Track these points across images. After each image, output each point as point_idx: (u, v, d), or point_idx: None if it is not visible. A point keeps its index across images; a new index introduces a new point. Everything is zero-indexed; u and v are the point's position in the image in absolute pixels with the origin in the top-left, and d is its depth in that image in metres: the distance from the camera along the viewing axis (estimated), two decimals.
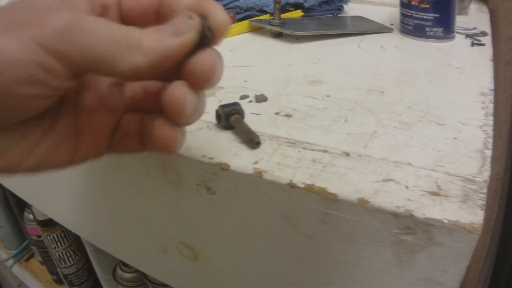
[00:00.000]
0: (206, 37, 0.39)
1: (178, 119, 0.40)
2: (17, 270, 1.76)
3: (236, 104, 0.54)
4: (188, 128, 0.52)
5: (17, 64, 0.33)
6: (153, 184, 0.56)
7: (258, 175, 0.45)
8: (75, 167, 0.43)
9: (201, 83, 0.39)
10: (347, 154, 0.47)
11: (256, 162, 0.47)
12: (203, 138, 0.52)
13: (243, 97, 0.62)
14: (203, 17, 0.39)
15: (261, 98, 0.60)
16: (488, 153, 0.47)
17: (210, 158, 0.48)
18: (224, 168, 0.47)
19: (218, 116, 0.54)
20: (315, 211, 0.44)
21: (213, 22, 0.39)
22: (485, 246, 0.94)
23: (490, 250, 1.17)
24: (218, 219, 0.53)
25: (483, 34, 0.87)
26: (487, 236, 0.94)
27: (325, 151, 0.48)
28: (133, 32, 0.37)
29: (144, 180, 0.57)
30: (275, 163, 0.47)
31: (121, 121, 0.45)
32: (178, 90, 0.38)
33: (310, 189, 0.43)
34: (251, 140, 0.50)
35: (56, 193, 0.81)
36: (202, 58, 0.39)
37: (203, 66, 0.39)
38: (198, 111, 0.40)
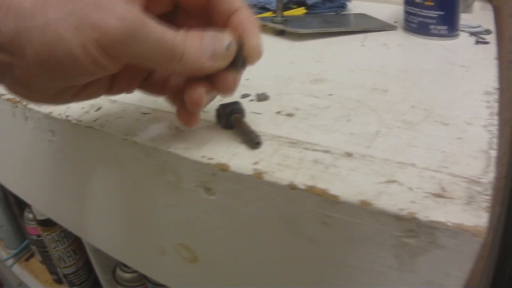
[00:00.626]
0: (237, 62, 0.46)
1: (195, 110, 0.47)
2: (17, 269, 1.76)
3: (236, 103, 0.54)
4: (187, 128, 0.52)
5: (77, 61, 0.39)
6: (152, 185, 0.56)
7: (258, 176, 0.44)
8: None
9: (219, 92, 0.48)
10: (350, 155, 0.47)
11: (256, 163, 0.46)
12: (202, 137, 0.52)
13: (244, 96, 0.61)
14: (240, 44, 0.45)
15: (262, 97, 0.60)
16: (493, 153, 0.46)
17: (209, 159, 0.47)
18: (223, 168, 0.46)
19: (218, 116, 0.54)
20: (316, 213, 0.43)
21: (247, 52, 0.46)
22: (487, 244, 0.93)
23: (492, 249, 1.17)
24: (217, 221, 0.52)
25: (488, 32, 0.86)
26: (489, 235, 0.94)
27: (327, 152, 0.47)
28: (178, 42, 0.42)
29: (142, 180, 0.57)
30: (276, 163, 0.46)
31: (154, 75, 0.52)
32: (197, 92, 0.46)
33: (311, 191, 0.42)
34: (251, 140, 0.50)
35: (55, 193, 0.80)
36: (226, 79, 0.46)
37: (226, 85, 0.46)
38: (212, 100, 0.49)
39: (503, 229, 1.19)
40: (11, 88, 0.43)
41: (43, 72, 0.40)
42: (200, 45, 0.43)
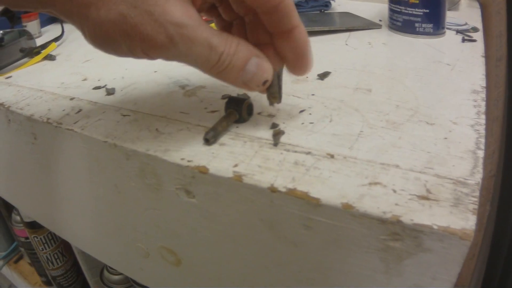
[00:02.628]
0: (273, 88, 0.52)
1: None
2: (7, 271, 1.76)
3: (241, 100, 0.54)
4: (168, 129, 0.51)
5: (123, 54, 0.45)
6: (132, 188, 0.55)
7: (237, 179, 0.44)
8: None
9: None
10: (332, 156, 0.46)
11: (236, 165, 0.45)
12: (182, 140, 0.51)
13: (225, 96, 0.61)
14: (278, 75, 0.51)
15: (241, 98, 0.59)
16: (481, 153, 0.46)
17: (188, 161, 0.47)
18: (203, 171, 0.45)
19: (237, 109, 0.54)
20: (297, 216, 0.42)
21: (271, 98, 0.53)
22: (477, 244, 0.93)
23: (483, 248, 1.16)
24: (199, 224, 0.51)
25: (474, 30, 0.86)
26: (480, 234, 0.93)
27: (308, 153, 0.46)
28: (225, 57, 0.45)
29: (123, 183, 0.56)
30: (256, 166, 0.45)
31: None
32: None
33: (292, 194, 0.41)
34: (204, 135, 0.50)
35: (39, 195, 0.80)
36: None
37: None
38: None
39: (493, 228, 1.19)
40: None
41: (91, 44, 0.45)
42: (241, 68, 0.46)
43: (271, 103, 0.53)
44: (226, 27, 0.55)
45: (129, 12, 0.40)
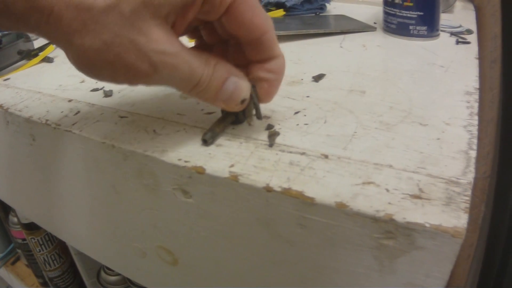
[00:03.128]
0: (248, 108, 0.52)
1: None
2: (4, 273, 1.75)
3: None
4: (165, 131, 0.52)
5: (104, 80, 0.46)
6: (130, 188, 0.55)
7: (234, 179, 0.44)
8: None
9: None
10: (326, 157, 0.46)
11: (232, 165, 0.46)
12: (179, 141, 0.51)
13: None
14: (253, 96, 0.51)
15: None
16: (473, 153, 0.46)
17: (185, 162, 0.47)
18: (199, 171, 0.46)
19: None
20: (292, 215, 0.43)
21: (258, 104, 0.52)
22: (473, 245, 0.93)
23: (478, 249, 1.17)
24: (195, 223, 0.52)
25: (469, 32, 0.86)
26: (475, 235, 0.94)
27: (303, 154, 0.47)
28: (204, 78, 0.46)
29: (121, 184, 0.56)
30: (252, 166, 0.46)
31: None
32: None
33: (287, 193, 0.42)
34: (202, 136, 0.51)
35: (37, 196, 0.80)
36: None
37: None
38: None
39: (488, 229, 1.19)
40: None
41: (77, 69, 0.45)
42: (219, 88, 0.47)
43: (248, 122, 0.54)
44: (207, 47, 0.55)
45: (112, 40, 0.41)
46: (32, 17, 0.40)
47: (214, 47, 0.55)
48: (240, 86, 0.48)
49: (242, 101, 0.49)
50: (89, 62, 0.43)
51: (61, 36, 0.42)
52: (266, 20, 0.47)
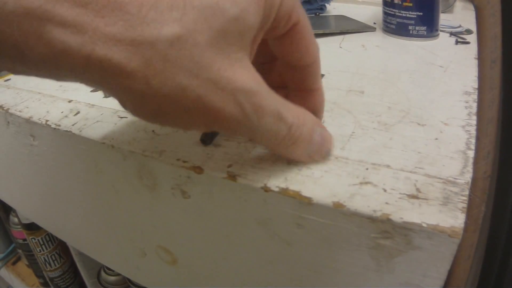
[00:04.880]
0: None
1: None
2: (4, 273, 1.76)
3: None
4: (164, 131, 0.52)
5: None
6: (129, 188, 0.56)
7: (232, 179, 0.44)
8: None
9: None
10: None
11: (230, 166, 0.46)
12: (178, 141, 0.51)
13: None
14: None
15: None
16: (471, 154, 0.46)
17: (184, 162, 0.47)
18: (198, 171, 0.46)
19: None
20: (290, 215, 0.43)
21: None
22: (473, 245, 0.93)
23: (479, 249, 1.17)
24: (194, 223, 0.52)
25: (468, 32, 0.87)
26: (475, 235, 0.94)
27: None
28: (293, 133, 0.40)
29: (120, 184, 0.57)
30: (250, 166, 0.46)
31: None
32: None
33: (284, 193, 0.42)
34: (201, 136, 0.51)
35: (37, 197, 0.80)
36: None
37: None
38: None
39: (488, 229, 1.19)
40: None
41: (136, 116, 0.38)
42: (310, 141, 0.43)
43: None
44: None
45: (189, 82, 0.33)
46: (61, 62, 0.31)
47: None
48: (327, 136, 0.45)
49: (327, 152, 0.46)
50: (157, 110, 0.35)
51: (112, 82, 0.32)
52: (318, 48, 0.44)
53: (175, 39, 0.31)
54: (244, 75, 0.35)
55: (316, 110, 0.48)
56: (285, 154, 0.43)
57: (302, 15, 0.41)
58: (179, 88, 0.33)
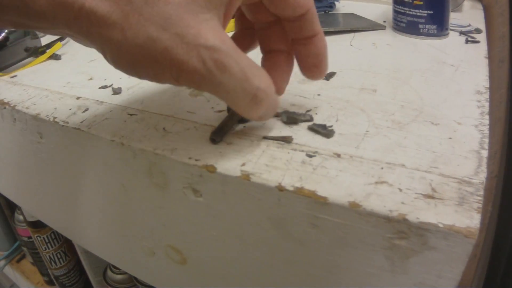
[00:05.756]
0: None
1: None
2: (9, 271, 1.76)
3: None
4: (175, 129, 0.51)
5: (148, 77, 0.43)
6: (139, 187, 0.55)
7: (245, 178, 0.44)
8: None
9: None
10: (338, 156, 0.46)
11: (243, 164, 0.46)
12: (189, 139, 0.51)
13: None
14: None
15: None
16: (484, 153, 0.46)
17: (196, 160, 0.47)
18: (210, 170, 0.46)
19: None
20: (304, 215, 0.43)
21: None
22: (479, 244, 0.93)
23: (485, 249, 1.17)
24: (205, 222, 0.52)
25: (478, 31, 0.86)
26: (481, 235, 0.94)
27: (315, 152, 0.47)
28: (260, 94, 0.42)
29: (130, 182, 0.56)
30: (263, 165, 0.45)
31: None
32: None
33: (299, 192, 0.41)
34: (211, 135, 0.50)
35: (44, 195, 0.80)
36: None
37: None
38: None
39: (495, 228, 1.19)
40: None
41: (115, 67, 0.42)
42: (268, 104, 0.44)
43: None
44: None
45: (158, 35, 0.38)
46: (58, 13, 0.37)
47: (243, 33, 0.54)
48: (277, 100, 0.46)
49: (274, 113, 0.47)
50: (131, 59, 0.40)
51: (96, 32, 0.38)
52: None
53: None
54: (209, 33, 0.39)
55: (320, 54, 0.51)
56: (243, 113, 0.44)
57: None
58: (150, 39, 0.38)
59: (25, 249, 1.64)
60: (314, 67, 0.51)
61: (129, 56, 0.39)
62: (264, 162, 0.46)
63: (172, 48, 0.38)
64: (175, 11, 0.38)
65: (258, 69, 0.43)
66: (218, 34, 0.40)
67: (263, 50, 0.54)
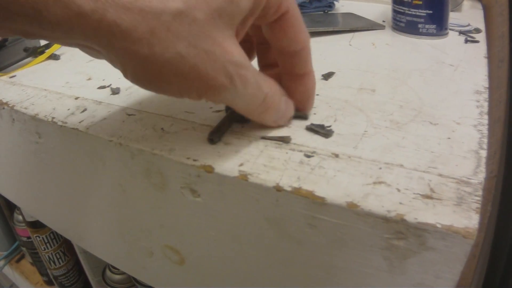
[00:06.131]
0: None
1: None
2: (8, 271, 1.76)
3: None
4: (173, 129, 0.51)
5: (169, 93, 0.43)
6: (137, 187, 0.55)
7: (243, 178, 0.44)
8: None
9: None
10: (336, 156, 0.46)
11: (241, 164, 0.45)
12: (187, 139, 0.51)
13: None
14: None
15: None
16: (483, 153, 0.46)
17: (194, 160, 0.47)
18: (208, 170, 0.46)
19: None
20: (302, 215, 0.42)
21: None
22: (478, 244, 0.93)
23: (484, 249, 1.17)
24: (203, 223, 0.52)
25: (477, 31, 0.86)
26: (481, 235, 0.94)
27: (313, 153, 0.47)
28: (268, 100, 0.46)
29: (128, 182, 0.56)
30: (261, 165, 0.45)
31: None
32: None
33: (297, 193, 0.41)
34: (209, 135, 0.51)
35: (42, 195, 0.80)
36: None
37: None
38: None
39: (494, 228, 1.19)
40: None
41: (132, 82, 0.42)
42: (278, 109, 0.49)
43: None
44: None
45: (188, 51, 0.38)
46: (74, 24, 0.34)
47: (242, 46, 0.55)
48: (290, 104, 0.51)
49: (290, 118, 0.52)
50: (157, 75, 0.39)
51: (120, 46, 0.37)
52: (307, 36, 0.49)
53: (178, 13, 0.36)
54: (234, 49, 0.40)
55: (307, 93, 0.53)
56: (258, 119, 0.49)
57: (291, 5, 0.45)
58: (179, 55, 0.38)
59: (24, 249, 1.65)
60: (300, 103, 0.53)
61: (154, 72, 0.39)
62: (262, 162, 0.46)
63: (201, 64, 0.39)
64: (202, 28, 0.38)
65: (264, 76, 0.46)
66: (239, 50, 0.41)
67: (260, 64, 0.56)
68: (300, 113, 0.54)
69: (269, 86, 0.46)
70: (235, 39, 0.42)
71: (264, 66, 0.55)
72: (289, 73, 0.51)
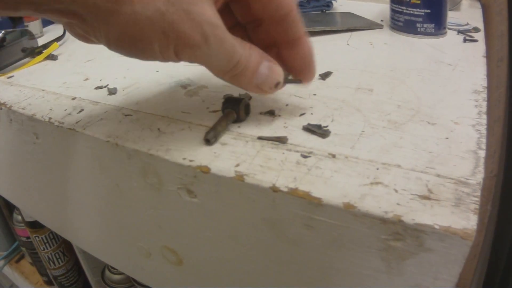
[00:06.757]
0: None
1: None
2: (8, 271, 1.76)
3: (239, 100, 0.55)
4: (170, 129, 0.51)
5: (150, 53, 0.43)
6: (134, 187, 0.55)
7: (239, 179, 0.44)
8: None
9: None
10: (333, 156, 0.46)
11: (237, 165, 0.45)
12: (184, 139, 0.51)
13: (226, 96, 0.60)
14: (286, 77, 0.52)
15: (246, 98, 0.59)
16: (482, 153, 0.45)
17: (190, 161, 0.47)
18: (204, 171, 0.45)
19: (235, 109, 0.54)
20: (299, 216, 0.42)
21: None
22: (478, 244, 0.93)
23: (484, 249, 1.16)
24: (200, 223, 0.51)
25: (476, 30, 0.86)
26: (481, 234, 0.93)
27: (310, 153, 0.46)
28: (242, 61, 0.46)
29: (125, 183, 0.56)
30: (258, 165, 0.45)
31: None
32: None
33: (293, 193, 0.41)
34: (205, 136, 0.50)
35: (40, 195, 0.80)
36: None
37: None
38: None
39: (494, 228, 1.19)
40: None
41: (115, 48, 0.44)
42: (255, 71, 0.48)
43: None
44: None
45: (167, 8, 0.40)
46: None
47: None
48: (275, 69, 0.49)
49: (276, 85, 0.50)
50: (139, 33, 0.41)
51: (105, 4, 0.39)
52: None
53: None
54: (210, 11, 0.42)
55: (305, 58, 0.52)
56: (233, 82, 0.49)
57: None
58: (159, 12, 0.39)
59: (24, 249, 1.64)
60: (303, 70, 0.53)
61: (137, 30, 0.40)
62: (258, 163, 0.45)
63: (179, 22, 0.40)
64: None
65: (242, 41, 0.47)
66: (216, 13, 0.43)
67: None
68: (294, 80, 0.54)
69: (245, 49, 0.46)
70: (213, 5, 0.43)
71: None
72: (284, 42, 0.51)
